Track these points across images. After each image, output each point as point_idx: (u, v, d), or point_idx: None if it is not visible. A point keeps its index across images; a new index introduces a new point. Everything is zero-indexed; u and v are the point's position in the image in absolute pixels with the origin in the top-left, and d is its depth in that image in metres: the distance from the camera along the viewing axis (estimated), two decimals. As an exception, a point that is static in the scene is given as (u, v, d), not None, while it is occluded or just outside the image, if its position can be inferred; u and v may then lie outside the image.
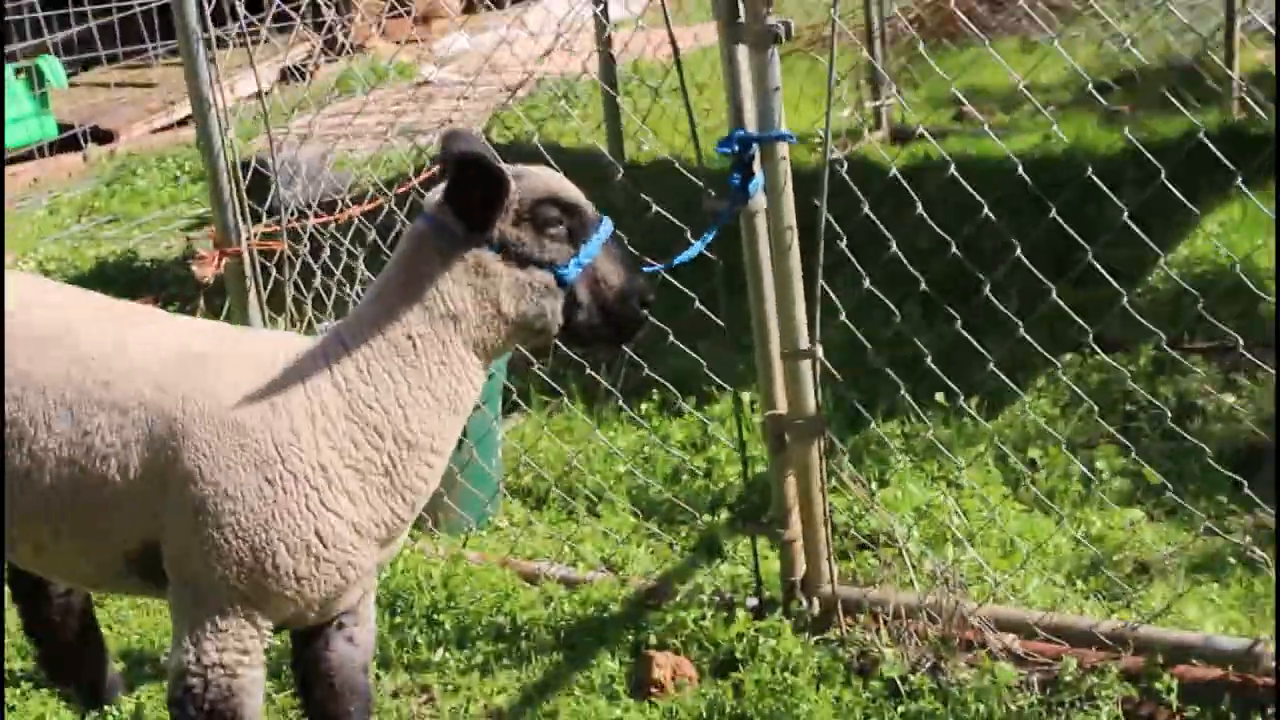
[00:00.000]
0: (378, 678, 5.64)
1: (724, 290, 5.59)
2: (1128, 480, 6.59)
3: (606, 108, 10.91)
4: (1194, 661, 5.26)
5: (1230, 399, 7.16)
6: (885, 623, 5.55)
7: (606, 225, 4.07)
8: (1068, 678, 5.19)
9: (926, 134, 6.89)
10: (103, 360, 4.25)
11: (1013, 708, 5.07)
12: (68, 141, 13.87)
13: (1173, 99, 6.80)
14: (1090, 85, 7.01)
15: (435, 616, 6.01)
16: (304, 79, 13.99)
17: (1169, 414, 6.25)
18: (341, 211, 7.33)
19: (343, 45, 13.59)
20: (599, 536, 6.62)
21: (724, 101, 5.31)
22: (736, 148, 5.14)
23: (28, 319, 4.45)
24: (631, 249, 4.25)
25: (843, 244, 5.59)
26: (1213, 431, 6.85)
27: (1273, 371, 7.05)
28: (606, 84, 9.33)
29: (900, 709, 5.21)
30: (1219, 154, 5.07)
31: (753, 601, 5.82)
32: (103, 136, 14.11)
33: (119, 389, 4.17)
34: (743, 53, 5.23)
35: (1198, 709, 5.09)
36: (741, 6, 5.17)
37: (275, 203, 6.85)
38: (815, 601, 5.71)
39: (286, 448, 4.01)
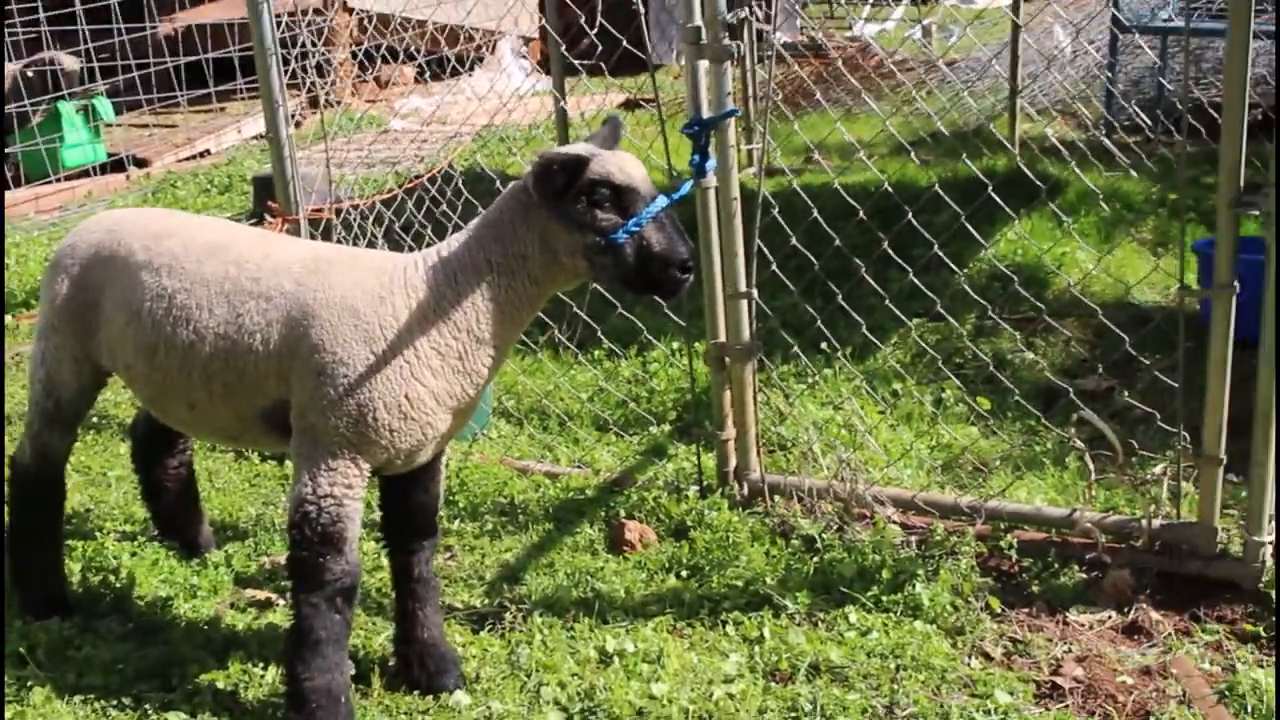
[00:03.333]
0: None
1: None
2: (964, 408, 6.79)
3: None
4: (1026, 527, 5.47)
5: (1030, 355, 7.39)
6: (800, 500, 5.70)
7: (659, 202, 3.99)
8: (937, 538, 5.37)
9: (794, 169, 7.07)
10: (254, 263, 4.31)
11: (899, 557, 5.23)
12: (113, 165, 13.66)
13: (969, 153, 7.05)
14: (904, 143, 7.23)
15: (452, 498, 6.03)
16: (296, 125, 13.95)
17: (990, 364, 6.47)
18: (367, 198, 7.40)
19: (325, 101, 13.57)
20: (571, 444, 6.69)
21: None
22: (697, 128, 5.24)
23: (194, 235, 4.51)
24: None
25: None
26: (1022, 377, 7.07)
27: (1066, 334, 7.33)
28: (560, 129, 9.43)
29: (815, 559, 5.35)
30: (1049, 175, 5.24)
31: (695, 487, 5.94)
32: (139, 162, 13.92)
33: (265, 283, 4.23)
34: (702, 66, 5.37)
35: (1031, 560, 5.31)
36: (704, 31, 5.31)
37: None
38: (745, 485, 5.84)
39: (389, 329, 4.08)
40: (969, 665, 4.72)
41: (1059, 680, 4.64)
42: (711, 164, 5.34)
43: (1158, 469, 5.39)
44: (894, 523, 5.52)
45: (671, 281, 4.02)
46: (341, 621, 4.23)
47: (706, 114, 5.34)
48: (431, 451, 4.40)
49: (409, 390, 4.09)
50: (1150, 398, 5.81)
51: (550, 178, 3.96)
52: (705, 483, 5.95)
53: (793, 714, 4.43)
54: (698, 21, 5.30)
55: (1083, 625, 4.98)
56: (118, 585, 5.28)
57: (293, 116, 6.99)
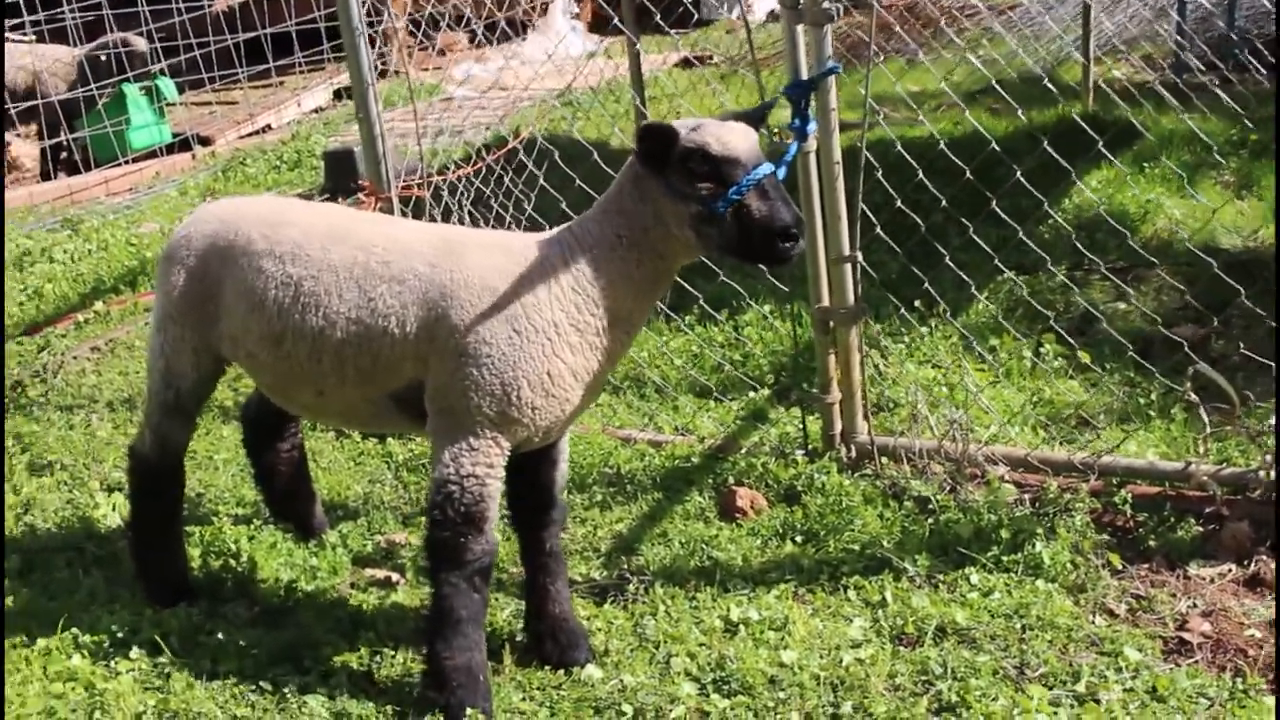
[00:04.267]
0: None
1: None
2: (1061, 361, 6.74)
3: (637, 108, 10.87)
4: (1140, 482, 5.45)
5: (1123, 305, 7.33)
6: (910, 462, 5.70)
7: (760, 170, 3.99)
8: (1051, 495, 5.36)
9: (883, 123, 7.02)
10: (381, 247, 4.35)
11: (1015, 516, 5.22)
12: (179, 145, 13.75)
13: (1040, 100, 6.94)
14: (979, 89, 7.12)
15: (558, 470, 6.06)
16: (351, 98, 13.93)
17: (1096, 314, 6.41)
18: (457, 169, 7.43)
19: (383, 71, 13.56)
20: (670, 410, 6.70)
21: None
22: (797, 90, 5.20)
23: (312, 221, 4.54)
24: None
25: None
26: (1115, 327, 7.00)
27: (1166, 279, 7.28)
28: (636, 89, 9.43)
29: (930, 521, 5.35)
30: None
31: (801, 452, 5.94)
32: (204, 141, 14.00)
33: (396, 266, 4.28)
34: (800, 30, 5.35)
35: (1146, 515, 5.29)
36: (802, -5, 5.29)
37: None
38: (853, 448, 5.85)
39: (530, 307, 4.13)
40: (1094, 623, 4.72)
41: (1186, 635, 4.64)
42: (812, 127, 5.29)
43: (1273, 419, 5.35)
44: (1006, 482, 5.50)
45: (777, 250, 4.02)
46: (480, 600, 4.29)
47: (805, 76, 5.32)
48: (564, 428, 4.44)
49: (550, 367, 4.15)
50: (1247, 345, 5.77)
51: (640, 146, 4.04)
52: (811, 446, 5.95)
53: (924, 677, 4.44)
54: (796, -15, 5.28)
55: (1204, 579, 4.97)
56: (239, 569, 5.34)
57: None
